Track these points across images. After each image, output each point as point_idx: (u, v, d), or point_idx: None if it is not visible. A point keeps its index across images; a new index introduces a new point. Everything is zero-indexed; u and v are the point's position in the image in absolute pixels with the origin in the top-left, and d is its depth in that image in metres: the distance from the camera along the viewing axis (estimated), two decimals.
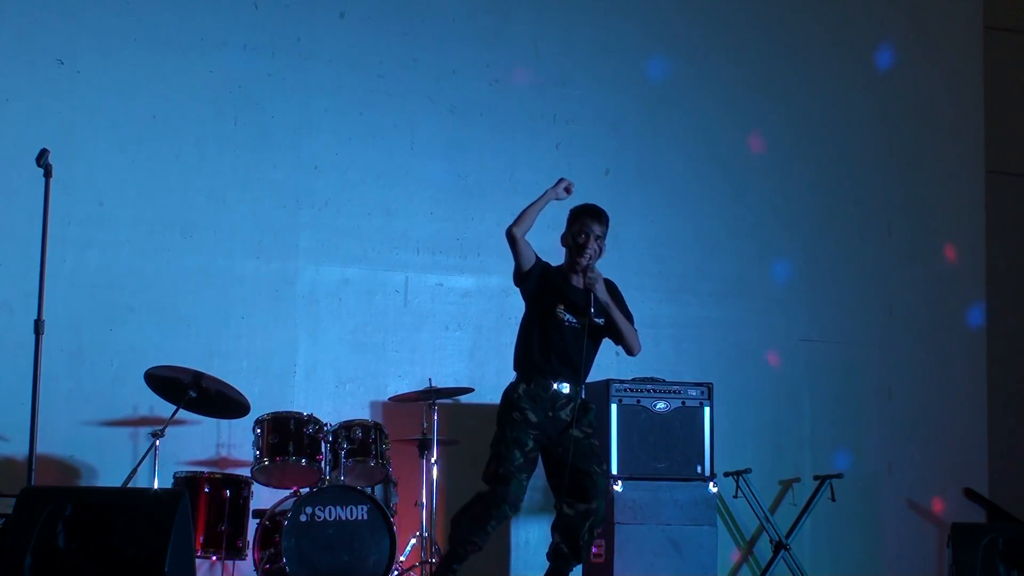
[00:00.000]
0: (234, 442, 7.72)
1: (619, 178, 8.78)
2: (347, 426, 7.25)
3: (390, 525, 7.01)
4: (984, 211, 9.71)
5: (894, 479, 9.16)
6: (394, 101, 8.39)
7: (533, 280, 6.24)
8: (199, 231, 7.94)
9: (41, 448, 6.21)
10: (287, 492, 7.21)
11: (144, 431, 7.44)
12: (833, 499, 8.54)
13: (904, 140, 9.58)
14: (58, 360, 7.27)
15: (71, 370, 7.55)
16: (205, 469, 7.43)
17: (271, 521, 7.03)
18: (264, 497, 7.29)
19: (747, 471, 8.33)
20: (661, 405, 7.77)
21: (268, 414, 7.20)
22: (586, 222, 6.26)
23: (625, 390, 7.73)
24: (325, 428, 7.19)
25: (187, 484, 6.98)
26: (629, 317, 6.35)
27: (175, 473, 7.14)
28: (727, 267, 8.99)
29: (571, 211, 6.33)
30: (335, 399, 8.01)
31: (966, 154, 9.73)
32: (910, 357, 9.34)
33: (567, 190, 6.28)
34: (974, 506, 9.20)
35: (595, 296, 6.18)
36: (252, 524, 7.15)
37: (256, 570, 7.08)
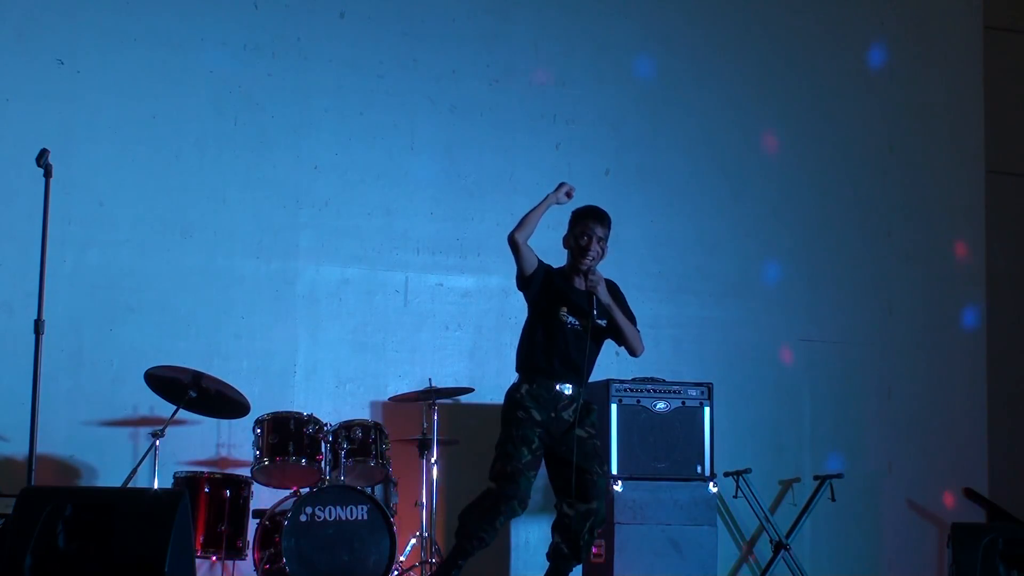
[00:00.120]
0: (234, 442, 7.72)
1: (619, 178, 8.78)
2: (347, 426, 7.25)
3: (390, 525, 7.01)
4: (984, 211, 9.70)
5: (894, 479, 9.16)
6: (394, 101, 8.39)
7: (536, 284, 6.24)
8: (199, 231, 7.94)
9: (41, 448, 6.20)
10: (287, 492, 7.21)
11: (144, 431, 7.44)
12: (833, 499, 8.54)
13: (904, 140, 9.57)
14: (58, 360, 7.27)
15: (71, 370, 7.55)
16: (205, 469, 7.44)
17: (271, 521, 7.03)
18: (264, 497, 7.29)
19: (747, 471, 8.33)
20: (661, 405, 7.77)
21: (268, 414, 7.20)
22: (588, 224, 6.26)
23: (625, 390, 7.73)
24: (325, 428, 7.19)
25: (187, 484, 6.98)
26: (631, 318, 6.35)
27: (175, 473, 7.14)
28: (727, 267, 8.99)
29: (573, 213, 6.33)
30: (335, 399, 8.01)
31: (966, 154, 9.72)
32: (910, 357, 9.34)
33: (568, 194, 6.26)
34: (974, 506, 9.20)
35: (597, 298, 6.18)
36: (252, 524, 7.15)
37: (256, 570, 7.08)
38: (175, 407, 6.98)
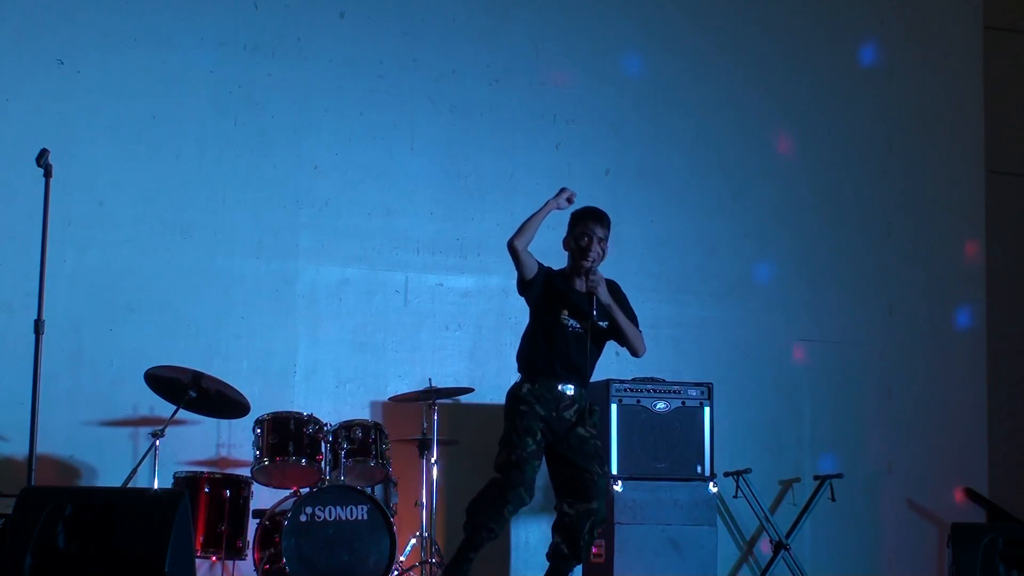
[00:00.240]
0: (234, 442, 7.72)
1: (619, 178, 8.78)
2: (347, 426, 7.25)
3: (390, 525, 7.01)
4: (984, 211, 9.70)
5: (894, 479, 9.16)
6: (394, 101, 8.39)
7: (536, 288, 6.24)
8: (199, 231, 7.94)
9: (41, 448, 6.20)
10: (287, 492, 7.21)
11: (144, 431, 7.44)
12: (833, 499, 8.54)
13: (904, 140, 9.57)
14: (58, 360, 7.27)
15: (71, 370, 7.55)
16: (205, 469, 7.44)
17: (271, 521, 7.03)
18: (264, 497, 7.29)
19: (747, 471, 8.33)
20: (661, 405, 7.77)
21: (268, 414, 7.20)
22: (588, 225, 6.25)
23: (625, 390, 7.73)
24: (325, 428, 7.19)
25: (187, 484, 6.98)
26: (633, 318, 6.35)
27: (175, 473, 7.14)
28: (727, 267, 8.99)
29: (572, 214, 6.32)
30: (335, 399, 8.01)
31: (966, 154, 9.72)
32: (910, 357, 9.34)
33: (569, 200, 6.26)
34: (974, 506, 9.20)
35: (598, 299, 6.17)
36: (252, 524, 7.15)
37: (256, 570, 7.08)
38: (175, 407, 6.98)
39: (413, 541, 7.46)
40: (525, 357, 6.32)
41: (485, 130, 8.56)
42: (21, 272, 7.12)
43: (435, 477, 7.40)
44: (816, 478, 8.69)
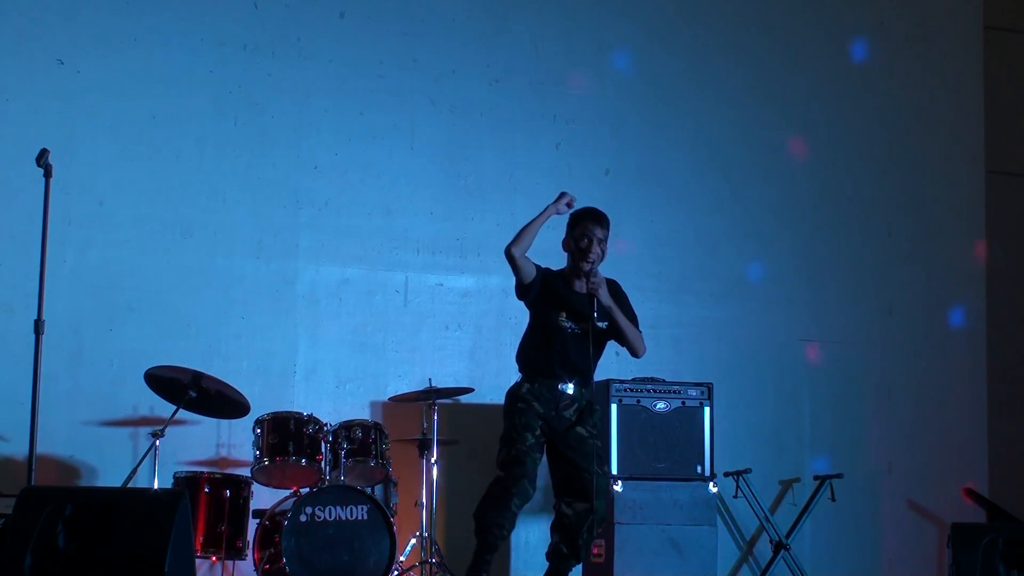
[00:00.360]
0: (234, 442, 7.72)
1: (619, 178, 8.78)
2: (347, 426, 7.25)
3: (390, 525, 7.01)
4: (984, 211, 9.70)
5: (894, 479, 9.16)
6: (394, 101, 8.39)
7: (534, 292, 6.24)
8: (199, 231, 7.94)
9: (41, 448, 6.20)
10: (287, 492, 7.21)
11: (144, 431, 7.44)
12: (833, 499, 8.54)
13: (904, 140, 9.57)
14: (58, 360, 7.26)
15: (71, 370, 7.55)
16: (205, 469, 7.44)
17: (271, 521, 7.03)
18: (264, 497, 7.29)
19: (747, 471, 8.33)
20: (661, 405, 7.77)
21: (268, 414, 7.20)
22: (588, 226, 6.24)
23: (625, 390, 7.74)
24: (325, 428, 7.19)
25: (187, 484, 6.98)
26: (633, 318, 6.35)
27: (175, 473, 7.14)
28: (727, 267, 8.99)
29: (571, 215, 6.31)
30: (335, 399, 8.01)
31: (966, 154, 9.72)
32: (910, 357, 9.34)
33: (569, 205, 6.25)
34: (974, 506, 9.19)
35: (598, 300, 6.17)
36: (252, 524, 7.15)
37: (256, 570, 7.08)
38: (175, 407, 6.98)
39: (413, 541, 7.46)
40: (525, 358, 6.32)
41: (485, 130, 8.56)
42: (21, 272, 7.12)
43: (435, 477, 7.40)
44: (816, 478, 8.69)
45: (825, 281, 9.23)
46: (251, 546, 7.11)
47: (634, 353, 6.37)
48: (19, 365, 6.71)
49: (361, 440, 7.21)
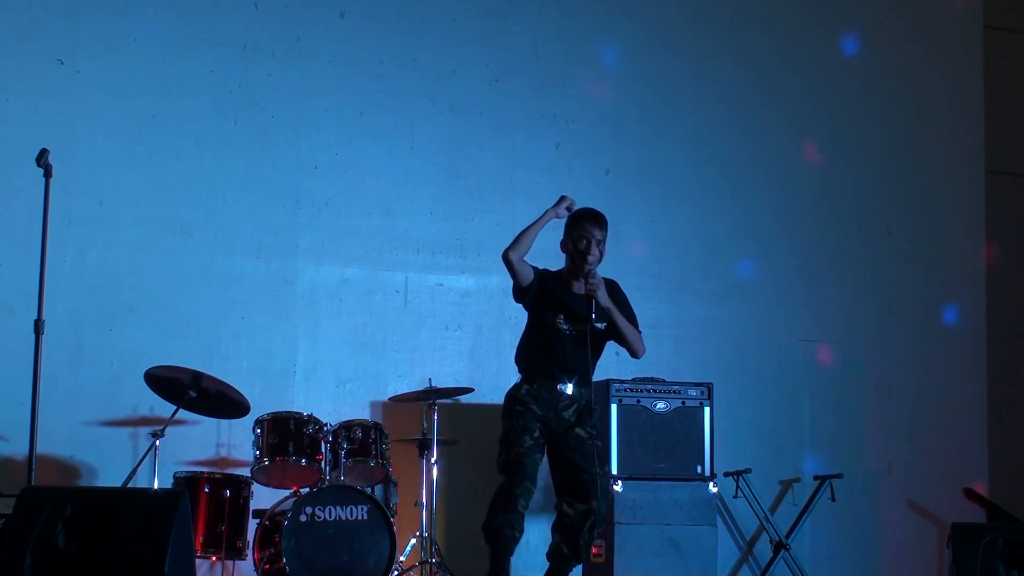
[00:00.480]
0: (234, 442, 7.72)
1: (619, 178, 8.78)
2: (347, 426, 7.25)
3: (390, 525, 7.01)
4: (984, 211, 9.70)
5: (894, 479, 9.16)
6: (394, 101, 8.39)
7: (531, 294, 6.23)
8: (199, 231, 7.94)
9: (41, 448, 6.20)
10: (287, 492, 7.21)
11: (144, 431, 7.44)
12: (833, 499, 8.54)
13: (904, 140, 9.57)
14: (58, 360, 7.26)
15: (71, 370, 7.55)
16: (205, 469, 7.44)
17: (271, 521, 7.03)
18: (264, 497, 7.29)
19: (747, 471, 8.33)
20: (661, 405, 7.77)
21: (268, 414, 7.20)
22: (586, 227, 6.23)
23: (625, 390, 7.74)
24: (325, 428, 7.19)
25: (187, 484, 6.98)
26: (633, 319, 6.34)
27: (175, 473, 7.14)
28: (727, 267, 8.99)
29: (570, 216, 6.29)
30: (335, 399, 8.01)
31: (966, 154, 9.72)
32: (910, 357, 9.34)
33: (568, 208, 6.23)
34: (974, 506, 9.20)
35: (597, 302, 6.16)
36: (252, 524, 7.15)
37: (256, 570, 7.08)
38: (175, 407, 6.98)
39: (413, 541, 7.46)
40: (523, 359, 6.32)
41: (485, 130, 8.56)
42: (21, 272, 7.12)
43: (435, 477, 7.40)
44: (816, 478, 8.69)
45: (825, 281, 9.23)
46: (251, 546, 7.11)
47: (633, 354, 6.37)
48: (19, 365, 6.71)
49: (361, 440, 7.22)
